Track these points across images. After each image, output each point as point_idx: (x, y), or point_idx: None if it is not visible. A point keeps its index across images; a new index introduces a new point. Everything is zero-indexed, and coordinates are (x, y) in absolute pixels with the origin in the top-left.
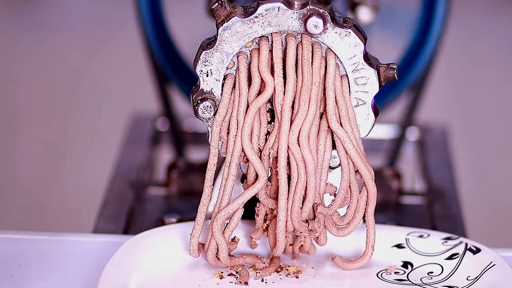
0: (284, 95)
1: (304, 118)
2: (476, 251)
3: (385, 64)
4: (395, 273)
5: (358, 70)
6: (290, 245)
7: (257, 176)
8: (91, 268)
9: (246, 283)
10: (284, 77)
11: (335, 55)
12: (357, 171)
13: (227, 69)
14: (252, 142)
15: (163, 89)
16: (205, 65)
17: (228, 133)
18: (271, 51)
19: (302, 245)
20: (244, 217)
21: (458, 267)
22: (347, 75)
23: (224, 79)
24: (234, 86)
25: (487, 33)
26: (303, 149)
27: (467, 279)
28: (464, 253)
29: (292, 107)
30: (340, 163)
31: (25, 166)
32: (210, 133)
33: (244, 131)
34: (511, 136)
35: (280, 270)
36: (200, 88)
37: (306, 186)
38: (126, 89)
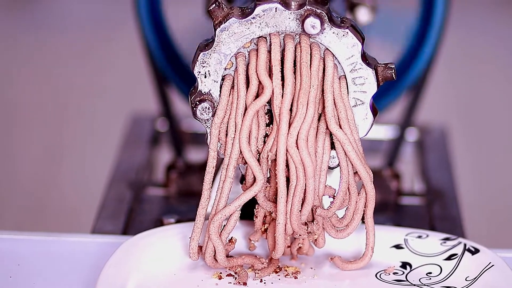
0: (282, 98)
1: (302, 120)
2: (475, 251)
3: (383, 64)
4: (394, 273)
5: (356, 70)
6: (288, 247)
7: (255, 179)
8: (90, 269)
9: (244, 284)
10: (283, 79)
11: (333, 55)
12: (355, 173)
13: (225, 69)
14: (250, 145)
15: (162, 89)
16: (203, 67)
17: (226, 135)
18: (269, 51)
19: (300, 247)
20: (243, 217)
21: (457, 268)
22: (345, 75)
23: (223, 79)
24: (232, 87)
25: (487, 33)
26: (302, 152)
27: (465, 279)
28: (462, 253)
29: (290, 109)
30: (339, 164)
31: (24, 166)
32: (208, 135)
33: (242, 134)
34: (511, 137)
35: (278, 270)
36: (198, 89)
37: (305, 189)
38: (125, 90)
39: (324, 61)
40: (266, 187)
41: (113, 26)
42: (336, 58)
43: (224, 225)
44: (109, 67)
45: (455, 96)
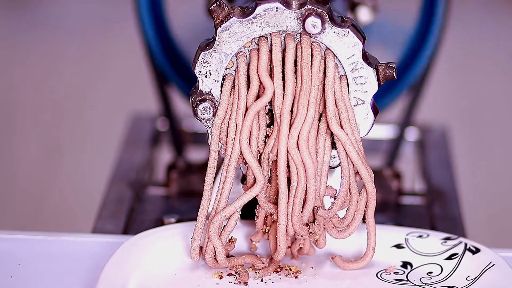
0: (283, 99)
1: (303, 121)
2: (476, 251)
3: (384, 63)
4: (395, 273)
5: (357, 69)
6: (289, 247)
7: (255, 179)
8: (91, 268)
9: (245, 283)
10: (284, 78)
11: (334, 55)
12: (356, 173)
13: (226, 69)
14: (251, 145)
15: (162, 89)
16: (204, 66)
17: (227, 135)
18: (270, 51)
19: (301, 247)
20: (244, 217)
21: (458, 267)
22: (346, 75)
23: (223, 79)
24: (233, 87)
25: (487, 33)
26: (303, 153)
27: (466, 279)
28: (463, 253)
29: (291, 110)
30: (340, 164)
31: (24, 166)
32: (209, 135)
33: (242, 135)
34: (511, 136)
35: (279, 270)
36: (199, 89)
37: (306, 190)
38: (125, 89)
39: (325, 61)
40: (267, 187)
41: (113, 26)
42: (337, 57)
43: (224, 226)
44: (109, 67)
45: (456, 95)
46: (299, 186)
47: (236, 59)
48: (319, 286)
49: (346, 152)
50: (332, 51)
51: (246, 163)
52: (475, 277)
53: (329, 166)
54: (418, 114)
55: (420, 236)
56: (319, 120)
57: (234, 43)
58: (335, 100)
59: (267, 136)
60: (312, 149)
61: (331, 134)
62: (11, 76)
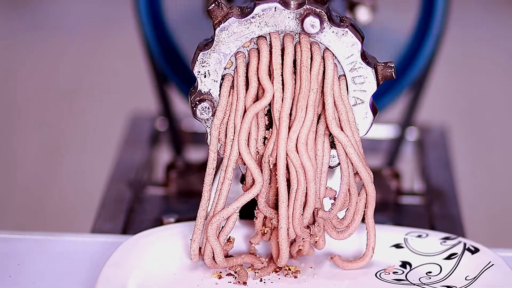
0: (282, 102)
1: (301, 124)
2: (475, 251)
3: (382, 62)
4: (394, 273)
5: (355, 69)
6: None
7: (254, 181)
8: (90, 268)
9: (244, 283)
10: (282, 81)
11: (333, 55)
12: (356, 173)
13: (225, 69)
14: (250, 146)
15: (162, 89)
16: (203, 66)
17: (226, 136)
18: (270, 52)
19: (300, 249)
20: (243, 217)
21: (457, 267)
22: (344, 74)
23: (222, 79)
24: (232, 87)
25: (487, 33)
26: (302, 156)
27: (465, 279)
28: (462, 253)
29: (290, 113)
30: (339, 164)
31: (23, 166)
32: (208, 135)
33: (241, 136)
34: (510, 137)
35: (278, 270)
36: (198, 89)
37: (306, 192)
38: (125, 89)
39: (324, 61)
40: (268, 191)
41: (113, 26)
42: (335, 57)
43: (223, 227)
44: (109, 66)
45: (455, 95)
46: (299, 189)
47: (235, 59)
48: (318, 286)
49: (346, 153)
50: (331, 51)
51: (245, 164)
52: (474, 277)
53: (329, 166)
54: (418, 114)
55: (419, 236)
56: (318, 121)
57: (233, 43)
58: (334, 102)
59: (266, 139)
60: (311, 151)
61: (330, 134)
62: (11, 76)
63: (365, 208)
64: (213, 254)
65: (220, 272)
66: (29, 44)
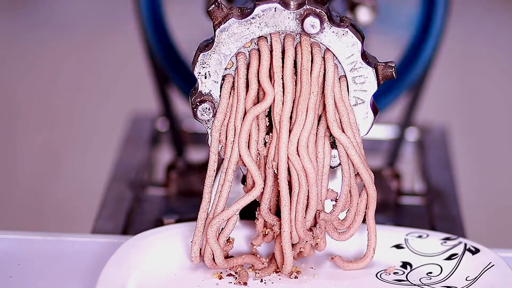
0: (282, 105)
1: (302, 127)
2: (475, 251)
3: (383, 62)
4: (394, 273)
5: (356, 69)
6: None
7: (254, 183)
8: (90, 269)
9: (245, 284)
10: (283, 82)
11: (333, 55)
12: (356, 174)
13: (225, 69)
14: (251, 148)
15: (162, 89)
16: (203, 67)
17: (226, 137)
18: (271, 52)
19: (301, 251)
20: (244, 217)
21: (457, 268)
22: (345, 74)
23: (223, 79)
24: (232, 87)
25: (486, 33)
26: (303, 159)
27: (466, 279)
28: (463, 253)
29: (290, 115)
30: (340, 164)
31: (24, 166)
32: (209, 136)
33: (241, 139)
34: (510, 137)
35: (279, 270)
36: (199, 90)
37: (308, 195)
38: (125, 89)
39: (324, 62)
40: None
41: (113, 26)
42: (336, 57)
43: (222, 228)
44: (110, 66)
45: (456, 95)
46: (300, 192)
47: (236, 60)
48: (318, 286)
49: (347, 155)
50: (331, 51)
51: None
52: (475, 278)
53: (330, 166)
54: (418, 114)
55: (420, 236)
56: (318, 122)
57: (233, 44)
58: (335, 103)
59: (266, 142)
60: (312, 154)
61: (330, 134)
62: (11, 75)
63: (366, 209)
64: (213, 255)
65: (221, 273)
66: (29, 44)
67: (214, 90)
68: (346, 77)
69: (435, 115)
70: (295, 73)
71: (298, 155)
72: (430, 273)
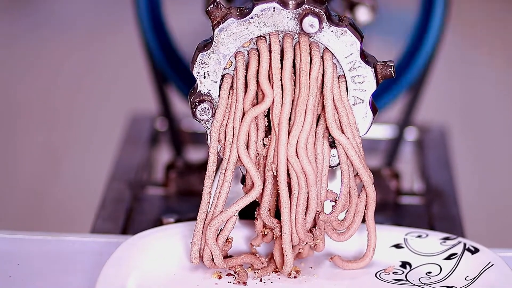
0: (281, 107)
1: (300, 129)
2: (475, 251)
3: (382, 62)
4: (394, 273)
5: (355, 68)
6: None
7: (253, 183)
8: (90, 268)
9: (244, 283)
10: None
11: (332, 55)
12: (356, 175)
13: (224, 69)
14: (250, 148)
15: (161, 89)
16: (202, 67)
17: (225, 138)
18: (270, 52)
19: (300, 252)
20: (243, 217)
21: (457, 267)
22: (344, 74)
23: (222, 79)
24: (231, 87)
25: (486, 33)
26: (302, 161)
27: (465, 279)
28: (462, 253)
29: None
30: (339, 164)
31: (23, 166)
32: (209, 136)
33: (239, 140)
34: (510, 136)
35: (278, 270)
36: (198, 90)
37: (307, 197)
38: (124, 89)
39: (323, 62)
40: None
41: (113, 26)
42: (335, 57)
43: (221, 229)
44: (109, 66)
45: (455, 95)
46: (300, 194)
47: (235, 59)
48: (318, 286)
49: (347, 155)
50: (330, 51)
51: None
52: (474, 277)
53: (330, 166)
54: (417, 114)
55: (419, 236)
56: (317, 123)
57: (232, 44)
58: (334, 104)
59: (266, 136)
60: (311, 156)
61: (329, 134)
62: (11, 75)
63: (365, 209)
64: (212, 256)
65: (220, 272)
66: (29, 44)
67: (213, 90)
68: (345, 77)
69: (435, 114)
70: (294, 73)
71: (298, 157)
72: (430, 272)
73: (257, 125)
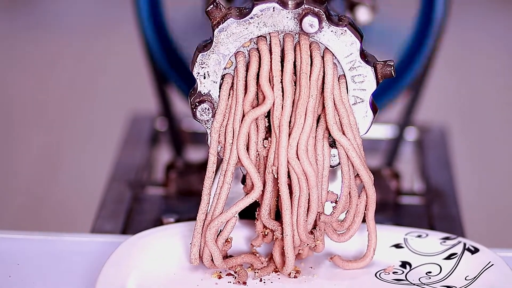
0: (282, 109)
1: (300, 131)
2: (475, 251)
3: (382, 61)
4: (394, 273)
5: (355, 68)
6: None
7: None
8: (90, 268)
9: (244, 283)
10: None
11: (333, 55)
12: (356, 175)
13: (225, 68)
14: (250, 150)
15: (162, 89)
16: (202, 68)
17: (225, 139)
18: (270, 52)
19: (299, 253)
20: (243, 217)
21: (457, 267)
22: (344, 74)
23: (222, 79)
24: (231, 87)
25: (486, 33)
26: (303, 163)
27: (465, 279)
28: (462, 253)
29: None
30: (340, 164)
31: (23, 166)
32: (209, 136)
33: (239, 141)
34: (510, 136)
35: (278, 270)
36: (198, 90)
37: (308, 198)
38: (125, 89)
39: (323, 63)
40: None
41: (112, 26)
42: (335, 56)
43: (221, 230)
44: (109, 66)
45: (455, 95)
46: (301, 196)
47: (235, 60)
48: (318, 285)
49: (348, 156)
50: (330, 51)
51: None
52: (474, 277)
53: (330, 166)
54: (417, 114)
55: (419, 236)
56: (317, 124)
57: (232, 44)
58: (335, 105)
59: (266, 139)
60: (312, 157)
61: (329, 134)
62: (10, 75)
63: (365, 210)
64: (212, 257)
65: (220, 272)
66: (29, 44)
67: (213, 90)
68: (345, 76)
69: (435, 114)
70: (295, 73)
71: (298, 158)
72: (430, 272)
73: (257, 126)
